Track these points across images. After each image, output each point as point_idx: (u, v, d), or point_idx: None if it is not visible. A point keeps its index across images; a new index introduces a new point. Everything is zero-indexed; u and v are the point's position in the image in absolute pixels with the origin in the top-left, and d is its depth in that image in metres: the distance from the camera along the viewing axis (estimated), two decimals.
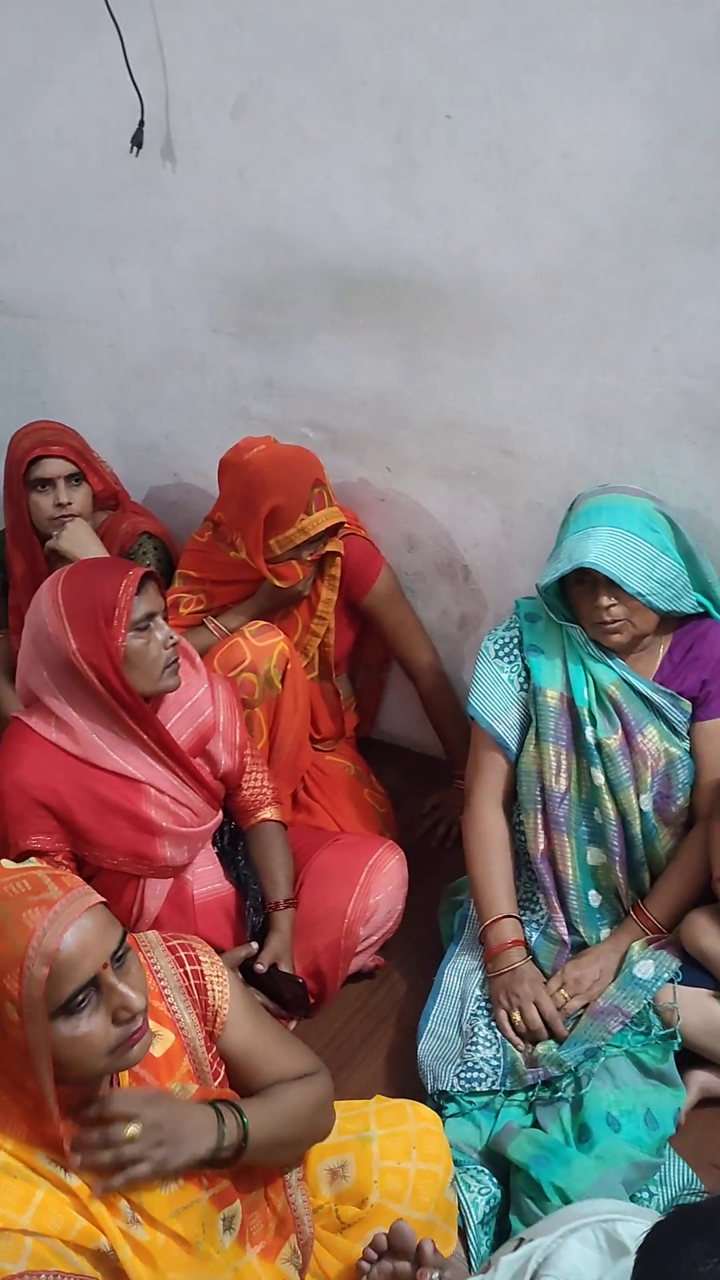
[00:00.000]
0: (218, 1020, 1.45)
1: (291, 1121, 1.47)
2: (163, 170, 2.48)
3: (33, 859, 1.63)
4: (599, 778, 2.05)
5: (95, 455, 2.72)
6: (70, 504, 2.56)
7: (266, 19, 2.20)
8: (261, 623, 2.44)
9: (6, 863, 1.31)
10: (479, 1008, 2.05)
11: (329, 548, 2.47)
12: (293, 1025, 2.15)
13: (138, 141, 2.41)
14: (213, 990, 1.44)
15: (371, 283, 2.33)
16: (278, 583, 2.41)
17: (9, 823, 1.96)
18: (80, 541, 2.52)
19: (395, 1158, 1.59)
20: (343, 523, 2.44)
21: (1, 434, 2.74)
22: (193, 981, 1.44)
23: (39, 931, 1.19)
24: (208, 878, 2.18)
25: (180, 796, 2.08)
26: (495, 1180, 1.82)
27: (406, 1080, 2.01)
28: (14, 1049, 1.20)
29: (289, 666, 2.40)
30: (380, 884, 2.21)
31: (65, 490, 2.56)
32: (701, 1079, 1.94)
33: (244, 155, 2.36)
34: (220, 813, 2.19)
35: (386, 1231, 1.42)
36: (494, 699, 2.15)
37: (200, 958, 1.47)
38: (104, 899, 1.28)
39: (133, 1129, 1.26)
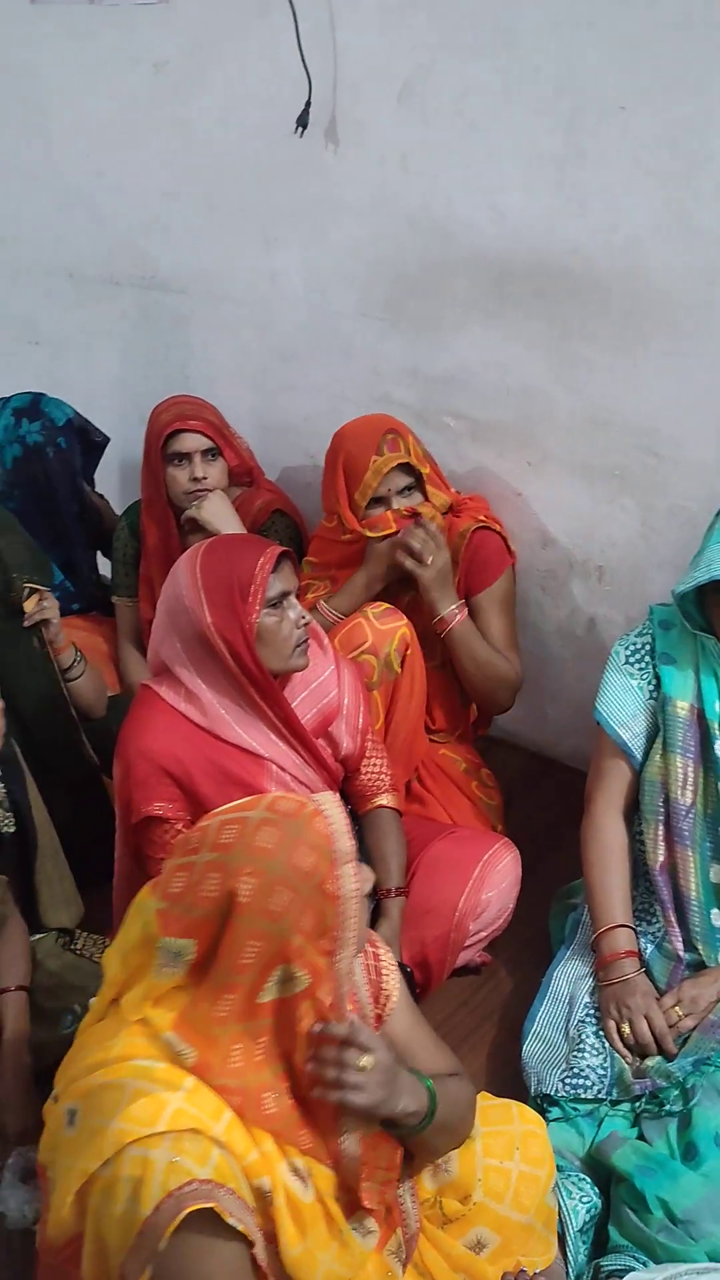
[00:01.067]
0: (388, 1005, 1.45)
1: (453, 1111, 1.48)
2: (324, 152, 2.49)
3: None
4: None
5: (232, 431, 2.75)
6: (205, 478, 2.60)
7: (441, 3, 2.19)
8: (385, 605, 2.43)
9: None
10: (587, 1014, 2.02)
11: (432, 506, 2.42)
12: None
13: (303, 122, 2.42)
14: (386, 974, 1.45)
15: (527, 273, 2.30)
16: (369, 533, 2.39)
17: (134, 788, 1.99)
18: (218, 513, 2.55)
19: (498, 1156, 1.58)
20: (424, 472, 2.40)
21: (145, 406, 2.79)
22: (371, 961, 1.45)
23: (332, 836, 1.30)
24: None
25: (300, 775, 2.09)
26: (596, 1189, 1.79)
27: (508, 1079, 1.99)
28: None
29: (409, 652, 2.38)
30: (494, 880, 2.19)
31: (201, 465, 2.59)
32: None
33: (407, 139, 2.35)
34: (337, 795, 2.20)
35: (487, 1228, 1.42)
36: (622, 705, 2.11)
37: (376, 939, 1.49)
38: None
39: (367, 1060, 1.31)
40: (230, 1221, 1.20)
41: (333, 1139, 1.35)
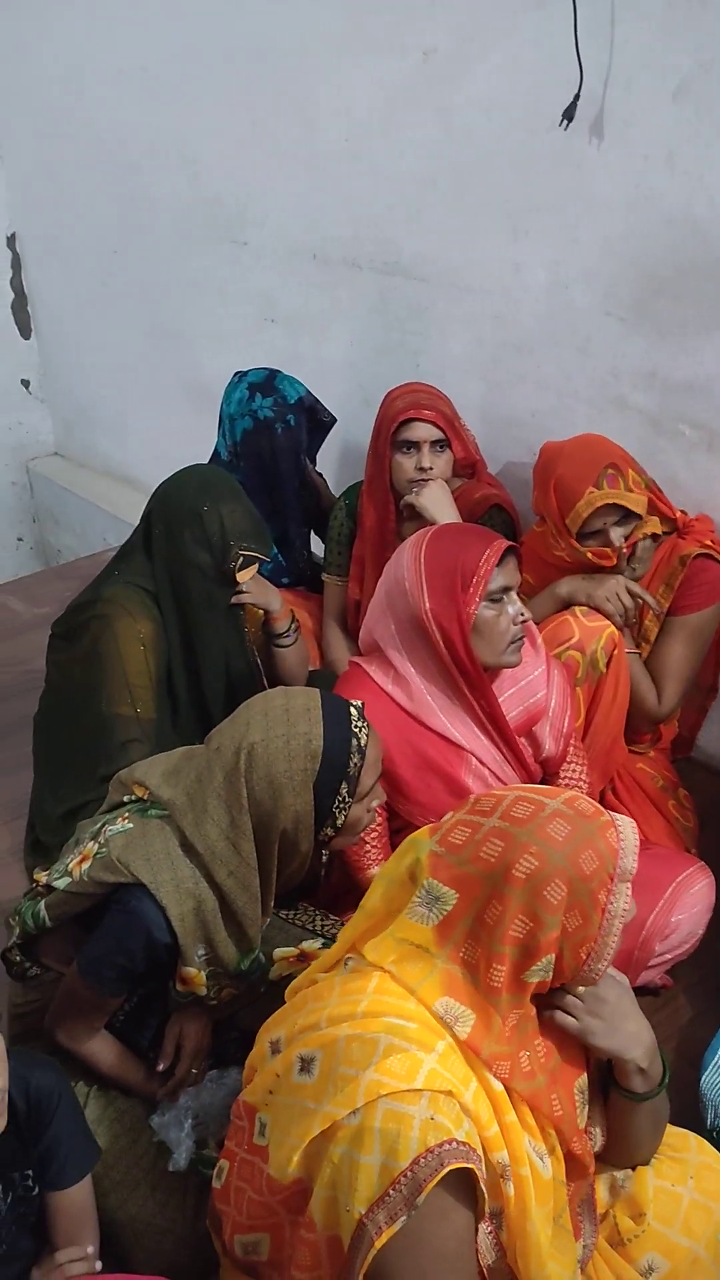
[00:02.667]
0: None
1: (664, 1108, 1.51)
2: (587, 147, 2.45)
3: None
4: None
5: (462, 424, 2.75)
6: (431, 469, 2.61)
7: None
8: None
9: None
10: None
11: (646, 532, 2.33)
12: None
13: (569, 115, 2.39)
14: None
15: None
16: (591, 557, 2.30)
17: None
18: (437, 502, 2.55)
19: (670, 1180, 1.55)
20: (641, 508, 2.28)
21: (372, 390, 2.82)
22: None
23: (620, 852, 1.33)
24: None
25: (499, 771, 2.08)
26: None
27: (682, 1109, 1.92)
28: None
29: (616, 652, 2.33)
30: (686, 903, 2.13)
31: (429, 455, 2.61)
32: None
33: (677, 137, 2.29)
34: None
35: (658, 1254, 1.39)
36: None
37: None
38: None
39: (582, 989, 1.39)
40: (481, 1187, 1.23)
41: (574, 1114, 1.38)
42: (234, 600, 2.43)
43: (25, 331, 4.86)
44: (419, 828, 2.04)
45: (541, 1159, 1.32)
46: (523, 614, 2.01)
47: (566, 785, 2.21)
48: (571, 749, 2.20)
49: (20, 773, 2.79)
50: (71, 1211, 1.57)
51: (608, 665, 2.33)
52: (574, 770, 2.21)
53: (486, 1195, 1.25)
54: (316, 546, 3.12)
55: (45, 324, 4.82)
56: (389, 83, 2.85)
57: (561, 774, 2.20)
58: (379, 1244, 1.19)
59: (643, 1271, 1.48)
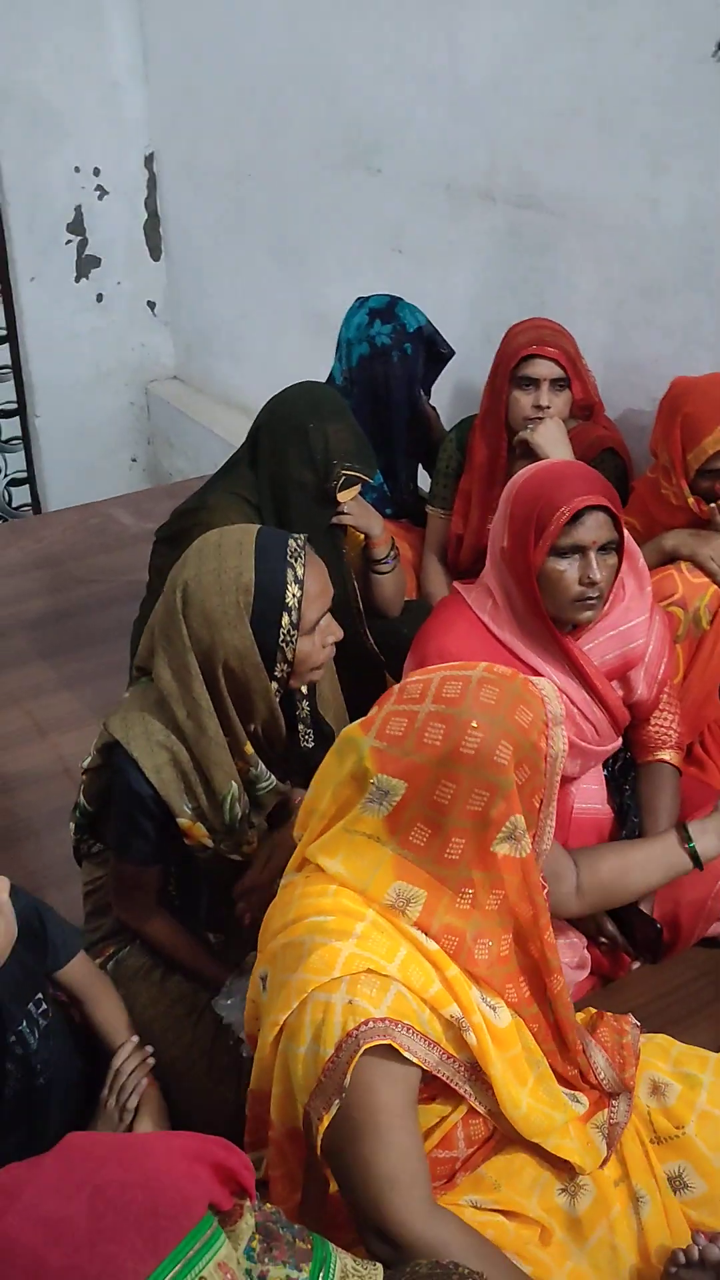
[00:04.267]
0: None
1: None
2: None
3: None
4: None
5: (584, 364, 2.70)
6: (549, 407, 2.57)
7: None
8: None
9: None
10: None
11: None
12: (635, 966, 2.11)
13: None
14: None
15: None
16: (693, 504, 2.26)
17: None
18: (552, 439, 2.52)
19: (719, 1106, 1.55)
20: None
21: (493, 326, 2.79)
22: None
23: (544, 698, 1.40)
24: (591, 796, 2.16)
25: (588, 712, 2.06)
26: None
27: None
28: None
29: None
30: None
31: (548, 393, 2.57)
32: None
33: None
34: (620, 739, 2.16)
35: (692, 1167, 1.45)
36: None
37: None
38: None
39: None
40: (405, 1055, 1.29)
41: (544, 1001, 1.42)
42: (334, 520, 2.43)
43: (155, 253, 4.91)
44: None
45: (494, 1010, 1.37)
46: (593, 576, 1.91)
47: (656, 732, 2.18)
48: (664, 697, 2.17)
49: (119, 676, 2.87)
50: (85, 982, 1.70)
51: (711, 623, 2.29)
52: (665, 718, 2.18)
53: (432, 1054, 1.32)
54: (423, 481, 3.12)
55: (175, 246, 4.86)
56: (537, 9, 2.78)
57: (652, 721, 2.18)
58: (321, 1129, 1.28)
59: (672, 1177, 1.49)
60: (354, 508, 2.44)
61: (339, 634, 1.85)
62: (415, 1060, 1.30)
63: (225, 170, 4.32)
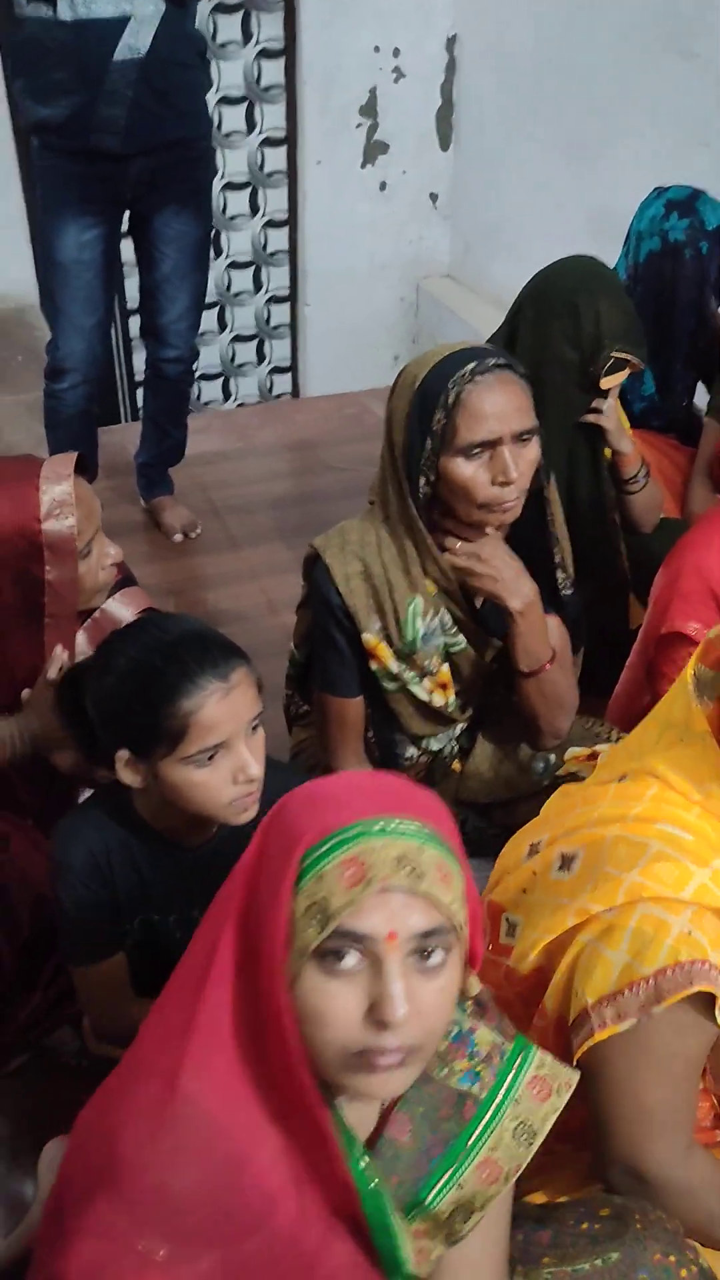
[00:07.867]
0: None
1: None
2: None
3: None
4: None
5: None
6: None
7: None
8: None
9: None
10: None
11: None
12: None
13: None
14: None
15: None
16: None
17: (675, 598, 1.89)
18: None
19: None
20: None
21: None
22: None
23: None
24: None
25: None
26: None
27: None
28: None
29: None
30: None
31: None
32: None
33: None
34: None
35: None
36: None
37: None
38: None
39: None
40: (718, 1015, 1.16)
41: None
42: (589, 414, 2.26)
43: (445, 143, 4.75)
44: None
45: None
46: None
47: None
48: None
49: None
50: None
51: None
52: None
53: None
54: (699, 399, 2.89)
55: (465, 136, 4.69)
56: None
57: None
58: (599, 1036, 1.17)
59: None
60: (613, 415, 2.27)
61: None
62: None
63: (525, 56, 4.09)
